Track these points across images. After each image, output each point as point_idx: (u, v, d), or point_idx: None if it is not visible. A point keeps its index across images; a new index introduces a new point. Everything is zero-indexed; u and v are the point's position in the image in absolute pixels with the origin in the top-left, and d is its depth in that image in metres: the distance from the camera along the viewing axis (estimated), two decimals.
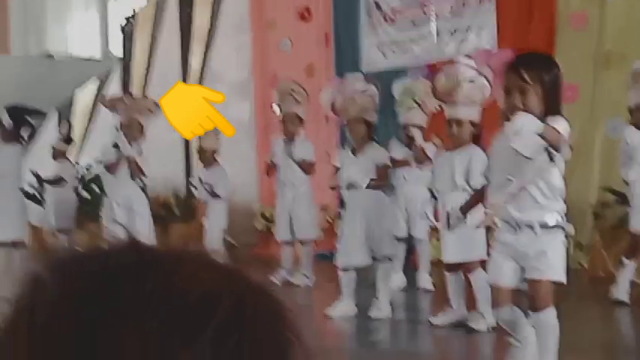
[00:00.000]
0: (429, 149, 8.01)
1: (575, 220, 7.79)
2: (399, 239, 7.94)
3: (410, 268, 8.14)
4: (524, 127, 3.96)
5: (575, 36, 9.11)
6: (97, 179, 13.28)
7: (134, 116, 7.90)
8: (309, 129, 9.01)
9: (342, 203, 11.06)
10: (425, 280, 7.84)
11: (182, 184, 13.44)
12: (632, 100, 6.75)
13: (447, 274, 5.90)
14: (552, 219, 4.16)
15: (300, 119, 8.69)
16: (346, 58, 11.49)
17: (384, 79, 10.87)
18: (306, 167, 8.45)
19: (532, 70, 4.14)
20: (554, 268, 4.13)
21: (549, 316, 4.14)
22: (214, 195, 9.35)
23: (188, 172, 13.44)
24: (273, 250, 12.12)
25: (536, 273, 4.12)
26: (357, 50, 11.36)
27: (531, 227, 4.12)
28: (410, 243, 8.09)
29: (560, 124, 4.07)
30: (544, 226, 4.13)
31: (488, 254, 4.64)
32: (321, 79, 11.59)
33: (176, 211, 12.77)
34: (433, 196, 6.12)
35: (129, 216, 7.80)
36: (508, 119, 4.17)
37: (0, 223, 8.84)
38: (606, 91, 8.48)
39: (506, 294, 4.25)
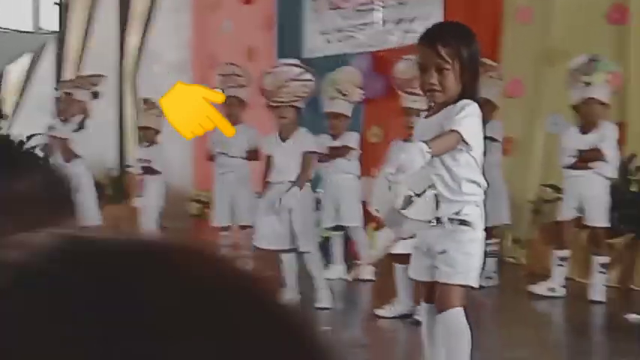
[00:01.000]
0: (354, 137, 7.92)
1: (514, 216, 7.88)
2: (333, 229, 7.86)
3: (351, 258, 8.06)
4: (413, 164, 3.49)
5: (521, 30, 9.08)
6: None
7: (73, 93, 7.65)
8: (249, 114, 8.85)
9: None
10: (365, 271, 7.75)
11: (115, 164, 13.19)
12: (574, 98, 6.81)
13: (395, 265, 5.81)
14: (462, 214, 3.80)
15: (243, 103, 8.55)
16: (288, 43, 11.34)
17: (325, 66, 10.84)
18: (250, 154, 8.29)
19: (450, 45, 3.75)
20: (463, 271, 3.76)
21: (455, 316, 3.77)
22: (152, 172, 9.14)
23: (122, 151, 13.18)
24: (205, 235, 11.97)
25: (444, 276, 3.76)
26: (300, 35, 11.22)
27: (441, 222, 3.76)
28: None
29: (468, 114, 3.70)
30: (453, 221, 3.78)
31: None
32: (263, 62, 11.43)
33: (109, 191, 12.51)
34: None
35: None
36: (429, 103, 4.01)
37: None
38: (549, 86, 8.46)
39: (422, 289, 4.01)
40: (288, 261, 6.45)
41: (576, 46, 8.07)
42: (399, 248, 5.60)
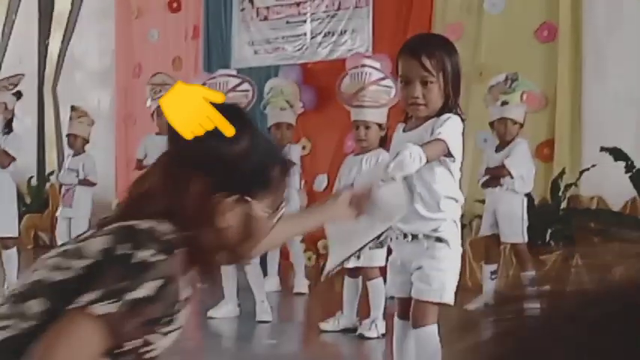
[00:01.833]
0: (297, 151, 7.95)
1: None
2: None
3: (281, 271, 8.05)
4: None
5: None
6: None
7: None
8: None
9: None
10: (300, 284, 7.75)
11: (34, 173, 12.91)
12: (491, 116, 6.94)
13: (346, 278, 5.81)
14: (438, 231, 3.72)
15: None
16: (215, 53, 11.28)
17: (253, 77, 10.81)
18: None
19: (435, 57, 3.64)
20: (438, 288, 3.69)
21: (430, 334, 3.72)
22: (89, 183, 9.00)
23: (41, 160, 12.92)
24: None
25: (419, 293, 3.70)
26: (228, 45, 11.16)
27: (416, 238, 3.71)
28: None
29: (450, 127, 3.60)
30: (429, 237, 3.70)
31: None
32: (189, 72, 11.35)
33: (27, 199, 12.25)
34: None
35: None
36: (407, 114, 3.87)
37: None
38: (479, 103, 8.55)
39: (397, 305, 3.94)
40: (228, 273, 6.40)
41: (506, 63, 8.19)
42: (351, 262, 5.61)
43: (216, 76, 6.73)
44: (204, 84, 6.56)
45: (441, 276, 3.70)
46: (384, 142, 5.78)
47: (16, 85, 7.52)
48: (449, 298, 3.73)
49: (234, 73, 6.81)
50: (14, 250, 7.39)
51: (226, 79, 6.60)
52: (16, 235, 7.40)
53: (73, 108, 9.35)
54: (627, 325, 0.65)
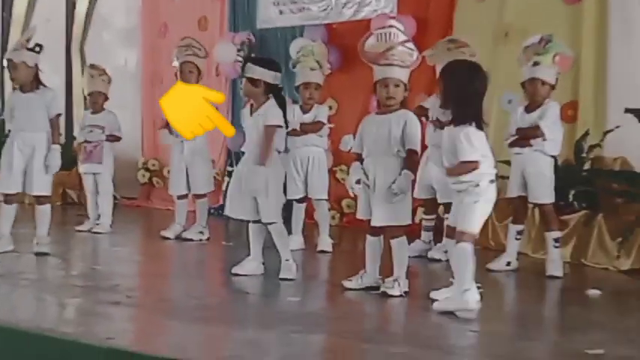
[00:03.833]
0: (324, 112, 8.02)
1: None
2: (297, 200, 7.94)
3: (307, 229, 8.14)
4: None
5: (475, 7, 9.17)
6: None
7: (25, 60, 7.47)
8: (199, 84, 8.86)
9: (231, 160, 11.00)
10: (325, 243, 7.83)
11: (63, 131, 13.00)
12: (524, 76, 6.96)
13: (368, 236, 5.89)
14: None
15: (199, 71, 8.61)
16: (241, 13, 11.31)
17: (278, 37, 10.86)
18: None
19: None
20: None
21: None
22: (111, 138, 9.13)
23: (70, 119, 13.02)
24: (155, 203, 11.95)
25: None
26: (253, 6, 11.19)
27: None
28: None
29: None
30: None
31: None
32: (214, 33, 11.40)
33: None
34: (359, 160, 5.99)
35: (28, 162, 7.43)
36: None
37: None
38: (504, 64, 8.56)
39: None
40: (255, 231, 6.49)
41: (531, 25, 8.20)
42: (375, 220, 5.71)
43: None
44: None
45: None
46: (405, 104, 5.87)
47: (29, 40, 7.55)
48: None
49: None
50: (48, 206, 7.53)
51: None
52: (49, 193, 7.51)
53: (92, 66, 9.43)
54: None
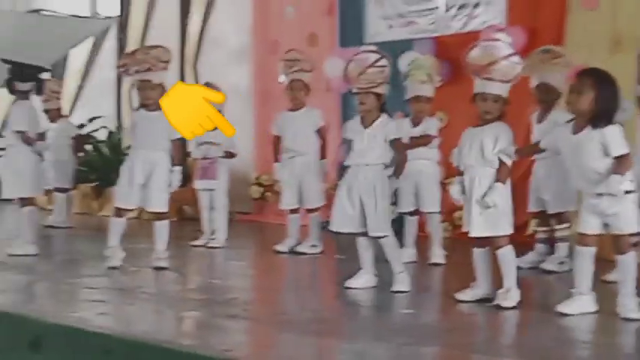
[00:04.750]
0: (434, 125, 8.04)
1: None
2: (409, 213, 7.97)
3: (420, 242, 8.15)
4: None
5: (587, 16, 9.07)
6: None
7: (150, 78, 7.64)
8: (310, 99, 8.99)
9: (341, 174, 11.07)
10: (437, 255, 7.84)
11: None
12: None
13: (474, 250, 5.91)
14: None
15: (307, 87, 8.75)
16: (350, 29, 11.41)
17: (387, 51, 10.88)
18: (321, 133, 8.74)
19: None
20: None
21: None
22: (227, 155, 9.32)
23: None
24: (268, 218, 12.12)
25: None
26: (362, 21, 11.28)
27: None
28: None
29: None
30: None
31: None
32: (324, 49, 11.52)
33: None
34: (460, 172, 6.05)
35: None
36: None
37: (17, 181, 8.67)
38: (616, 73, 8.42)
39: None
40: (363, 244, 6.55)
41: None
42: (475, 231, 5.72)
43: (359, 53, 6.81)
44: (351, 60, 6.66)
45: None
46: (503, 117, 5.89)
47: (168, 61, 7.77)
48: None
49: (374, 48, 6.88)
50: (166, 221, 7.71)
51: (367, 55, 6.70)
52: (167, 210, 7.70)
53: (207, 84, 9.60)
54: None
